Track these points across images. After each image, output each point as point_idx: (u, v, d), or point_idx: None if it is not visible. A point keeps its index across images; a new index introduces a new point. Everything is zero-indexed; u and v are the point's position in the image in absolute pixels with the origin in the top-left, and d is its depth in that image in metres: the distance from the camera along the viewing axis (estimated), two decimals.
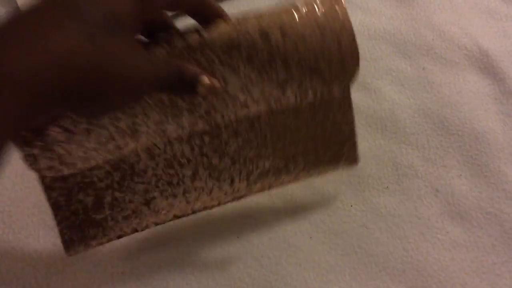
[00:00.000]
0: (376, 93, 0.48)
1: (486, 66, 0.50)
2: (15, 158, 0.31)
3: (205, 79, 0.31)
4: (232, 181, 0.37)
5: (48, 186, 0.35)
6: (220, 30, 0.33)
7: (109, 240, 0.37)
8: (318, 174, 0.40)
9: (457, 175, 0.44)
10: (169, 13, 0.33)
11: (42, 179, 0.34)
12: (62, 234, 0.36)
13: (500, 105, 0.48)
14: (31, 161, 0.32)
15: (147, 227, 0.37)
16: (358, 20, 0.53)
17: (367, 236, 0.41)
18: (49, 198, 0.35)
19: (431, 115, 0.47)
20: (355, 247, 0.40)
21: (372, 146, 0.46)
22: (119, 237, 0.37)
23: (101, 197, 0.36)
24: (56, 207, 0.35)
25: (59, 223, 0.35)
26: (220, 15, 0.33)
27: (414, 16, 0.53)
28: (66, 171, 0.34)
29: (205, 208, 0.38)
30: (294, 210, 0.42)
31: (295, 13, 0.34)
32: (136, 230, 0.37)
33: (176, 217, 0.38)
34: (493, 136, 0.46)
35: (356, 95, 0.48)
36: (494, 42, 0.51)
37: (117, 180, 0.35)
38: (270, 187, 0.39)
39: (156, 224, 0.37)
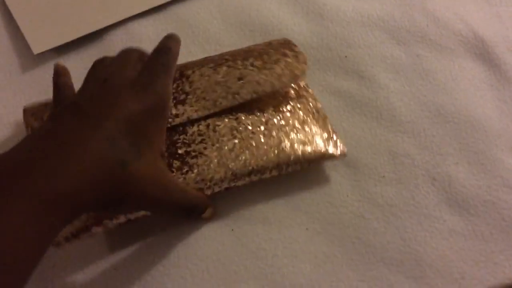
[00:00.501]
0: (370, 81, 0.48)
1: (482, 52, 0.49)
2: None
3: (211, 210, 0.39)
4: None
5: None
6: None
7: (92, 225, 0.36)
8: None
9: (454, 163, 0.43)
10: None
11: None
12: None
13: (496, 91, 0.47)
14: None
15: None
16: (351, 7, 0.52)
17: (364, 226, 0.40)
18: None
19: (427, 102, 0.46)
20: (352, 238, 0.40)
21: (367, 135, 0.45)
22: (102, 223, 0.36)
23: None
24: None
25: None
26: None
27: (408, 2, 0.52)
28: None
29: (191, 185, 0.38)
30: (289, 201, 0.41)
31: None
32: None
33: None
34: (489, 123, 0.45)
35: (350, 83, 0.47)
36: (489, 28, 0.51)
37: None
38: None
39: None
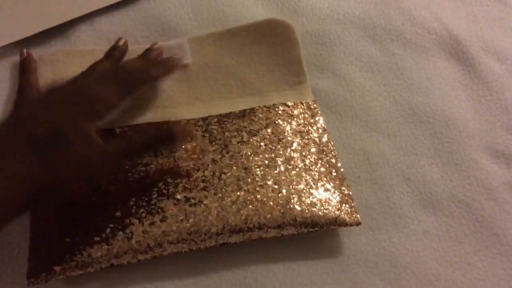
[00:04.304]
0: (346, 80, 0.47)
1: (456, 51, 0.49)
2: None
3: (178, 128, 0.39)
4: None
5: (39, 212, 0.36)
6: None
7: (74, 269, 0.34)
8: None
9: (428, 163, 0.43)
10: None
11: None
12: (30, 258, 0.34)
13: (470, 91, 0.47)
14: None
15: (115, 255, 0.34)
16: (327, 4, 0.51)
17: (339, 228, 0.39)
18: (34, 221, 0.35)
19: (402, 102, 0.46)
20: (326, 240, 0.39)
21: (342, 134, 0.44)
22: (82, 267, 0.34)
23: (80, 219, 0.35)
24: (36, 232, 0.35)
25: (32, 246, 0.34)
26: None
27: (384, 0, 0.52)
28: None
29: (182, 240, 0.36)
30: None
31: None
32: (101, 257, 0.34)
33: (149, 248, 0.35)
34: (463, 123, 0.45)
35: (326, 82, 0.47)
36: (464, 27, 0.51)
37: (100, 207, 0.36)
38: None
39: (126, 253, 0.35)
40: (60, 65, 0.42)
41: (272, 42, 0.45)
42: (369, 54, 0.49)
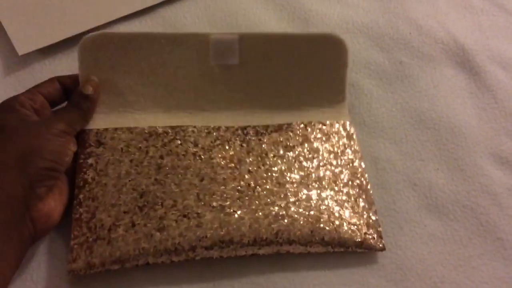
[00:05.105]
0: (354, 87, 0.48)
1: (462, 60, 0.50)
2: None
3: (87, 88, 0.39)
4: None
5: (79, 202, 0.37)
6: None
7: (112, 263, 0.35)
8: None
9: (434, 169, 0.44)
10: None
11: (77, 195, 0.37)
12: (72, 249, 0.35)
13: (476, 99, 0.48)
14: None
15: (152, 254, 0.36)
16: (336, 13, 0.53)
17: None
18: (75, 212, 0.36)
19: (409, 109, 0.47)
20: None
21: None
22: (122, 262, 0.35)
23: (120, 218, 0.36)
24: (78, 222, 0.36)
25: (74, 237, 0.36)
26: None
27: (392, 10, 0.53)
28: None
29: (215, 248, 0.37)
30: None
31: None
32: (139, 255, 0.36)
33: (184, 251, 0.36)
34: (469, 130, 0.46)
35: None
36: (470, 36, 0.52)
37: (140, 205, 0.37)
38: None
39: (161, 253, 0.36)
40: (102, 50, 0.40)
41: (323, 58, 0.43)
42: (377, 62, 0.50)
